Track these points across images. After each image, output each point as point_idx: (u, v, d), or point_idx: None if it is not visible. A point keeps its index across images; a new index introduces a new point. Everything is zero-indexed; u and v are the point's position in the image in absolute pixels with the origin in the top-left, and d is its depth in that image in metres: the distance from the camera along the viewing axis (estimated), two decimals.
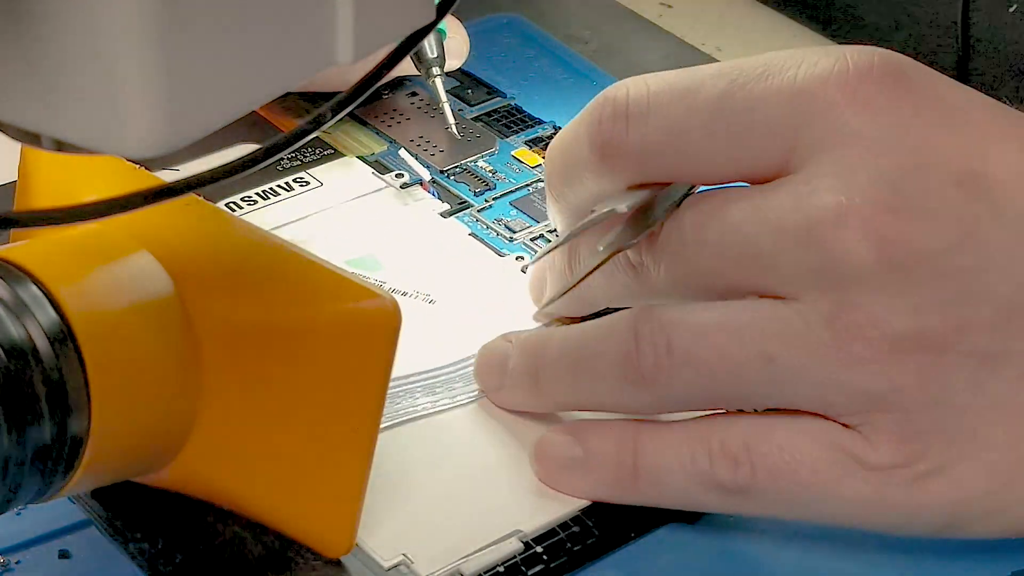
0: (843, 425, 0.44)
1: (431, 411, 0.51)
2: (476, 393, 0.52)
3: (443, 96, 0.62)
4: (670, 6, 0.75)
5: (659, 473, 0.46)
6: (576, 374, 0.48)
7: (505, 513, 0.47)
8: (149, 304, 0.45)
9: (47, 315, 0.42)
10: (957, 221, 0.43)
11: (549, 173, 0.50)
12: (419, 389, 0.51)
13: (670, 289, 0.47)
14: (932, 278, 0.43)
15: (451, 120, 0.62)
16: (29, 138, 0.35)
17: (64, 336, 0.42)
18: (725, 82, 0.45)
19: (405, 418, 0.50)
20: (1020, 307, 0.43)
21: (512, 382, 0.50)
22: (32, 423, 0.41)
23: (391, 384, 0.50)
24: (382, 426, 0.47)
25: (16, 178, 0.50)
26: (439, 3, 0.39)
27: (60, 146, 0.34)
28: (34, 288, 0.42)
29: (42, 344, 0.41)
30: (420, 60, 0.62)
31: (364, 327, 0.44)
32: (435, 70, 0.62)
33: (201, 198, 0.47)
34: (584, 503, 0.48)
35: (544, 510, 0.47)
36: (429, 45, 0.62)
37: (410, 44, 0.39)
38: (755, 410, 0.46)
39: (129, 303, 0.44)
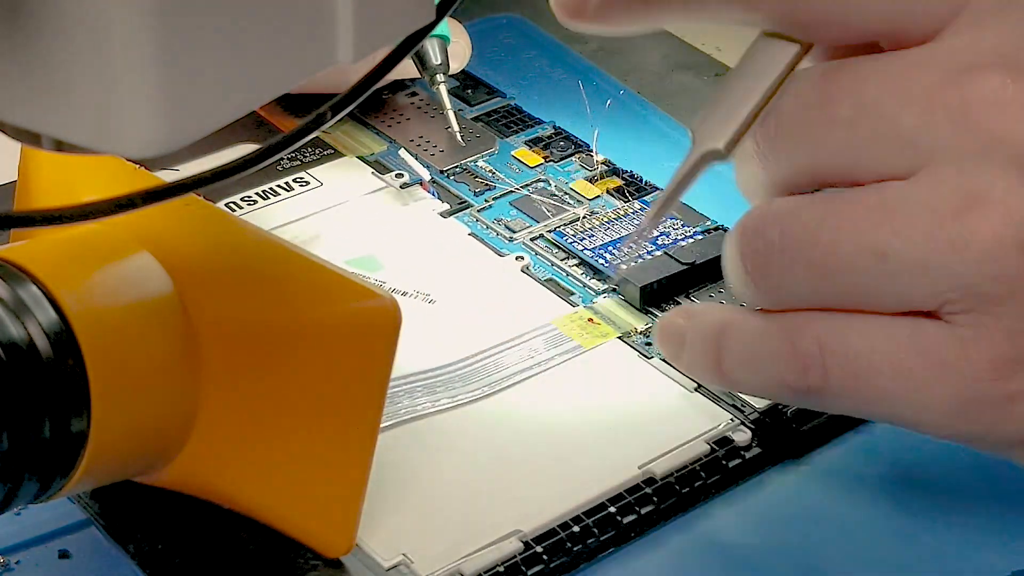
0: (935, 319, 0.42)
1: (431, 411, 0.51)
2: (476, 393, 0.52)
3: (447, 103, 0.62)
4: None
5: (737, 371, 0.45)
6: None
7: (505, 513, 0.47)
8: (149, 304, 0.45)
9: (47, 315, 0.42)
10: None
11: None
12: (419, 389, 0.51)
13: (795, 177, 0.44)
14: None
15: (456, 127, 0.62)
16: (29, 138, 0.35)
17: (64, 336, 0.42)
18: None
19: (405, 418, 0.50)
20: None
21: None
22: (32, 423, 0.41)
23: (391, 384, 0.50)
24: (382, 426, 0.46)
25: (16, 178, 0.50)
26: (439, 3, 0.39)
27: (60, 146, 0.34)
28: (34, 288, 0.42)
29: (42, 344, 0.41)
30: (424, 67, 0.62)
31: (364, 327, 0.44)
32: (439, 77, 0.62)
33: (201, 198, 0.47)
34: (584, 502, 0.48)
35: (544, 510, 0.47)
36: (433, 51, 0.61)
37: (410, 44, 0.39)
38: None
39: (129, 303, 0.44)
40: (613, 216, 0.59)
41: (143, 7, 0.31)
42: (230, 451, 0.46)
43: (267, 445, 0.46)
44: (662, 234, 0.57)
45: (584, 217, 0.59)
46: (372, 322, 0.44)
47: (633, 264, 0.56)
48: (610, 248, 0.57)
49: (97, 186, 0.46)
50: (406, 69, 0.62)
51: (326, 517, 0.46)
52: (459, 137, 0.62)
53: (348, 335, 0.44)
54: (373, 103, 0.65)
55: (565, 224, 0.59)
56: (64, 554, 0.47)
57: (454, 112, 0.62)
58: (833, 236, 0.42)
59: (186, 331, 0.45)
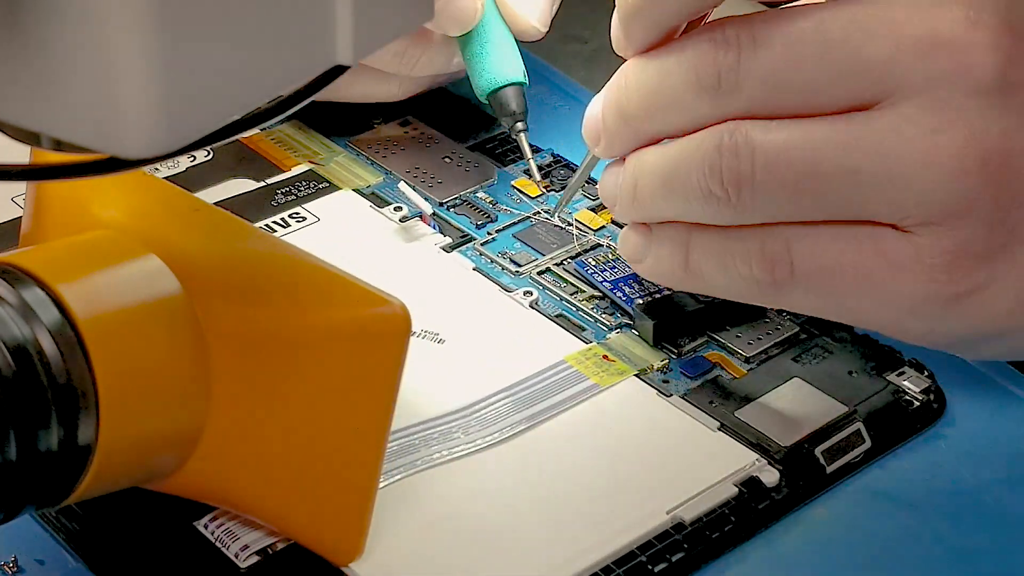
0: (896, 230, 0.45)
1: (448, 458, 0.48)
2: (495, 437, 0.49)
3: (528, 152, 0.60)
4: None
5: (705, 266, 0.48)
6: (667, 187, 0.48)
7: (532, 564, 0.45)
8: (157, 307, 0.44)
9: (53, 318, 0.41)
10: None
11: None
12: (436, 436, 0.49)
13: (755, 110, 0.46)
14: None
15: (537, 176, 0.60)
16: (29, 138, 0.35)
17: (71, 340, 0.41)
18: None
19: (423, 467, 0.48)
20: None
21: (619, 195, 0.50)
22: (40, 428, 0.40)
23: (407, 432, 0.48)
24: (400, 476, 0.45)
25: (12, 215, 0.49)
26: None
27: (60, 146, 0.34)
28: (40, 292, 0.42)
29: (49, 348, 0.41)
30: (503, 113, 0.59)
31: (375, 332, 0.43)
32: (519, 125, 0.59)
33: (212, 205, 0.47)
34: (614, 551, 0.46)
35: (573, 560, 0.45)
36: (512, 99, 0.59)
37: None
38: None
39: (136, 306, 0.43)
40: None
41: (143, 7, 0.31)
42: (240, 456, 0.45)
43: (277, 451, 0.45)
44: None
45: (593, 249, 0.57)
46: (382, 327, 0.43)
47: (649, 298, 0.54)
48: (629, 282, 0.55)
49: (109, 193, 0.46)
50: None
51: (336, 523, 0.45)
52: (540, 187, 0.60)
53: (358, 340, 0.43)
54: (364, 132, 0.63)
55: (573, 256, 0.57)
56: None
57: (535, 160, 0.60)
58: (807, 156, 0.45)
59: (195, 336, 0.44)
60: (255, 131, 0.63)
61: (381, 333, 0.43)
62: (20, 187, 0.52)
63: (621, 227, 0.58)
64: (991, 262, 0.45)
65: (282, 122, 0.64)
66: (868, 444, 0.50)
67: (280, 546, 0.45)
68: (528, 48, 0.70)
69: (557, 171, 0.62)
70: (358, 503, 0.44)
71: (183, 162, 0.60)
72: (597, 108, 0.50)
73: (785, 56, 0.45)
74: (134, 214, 0.46)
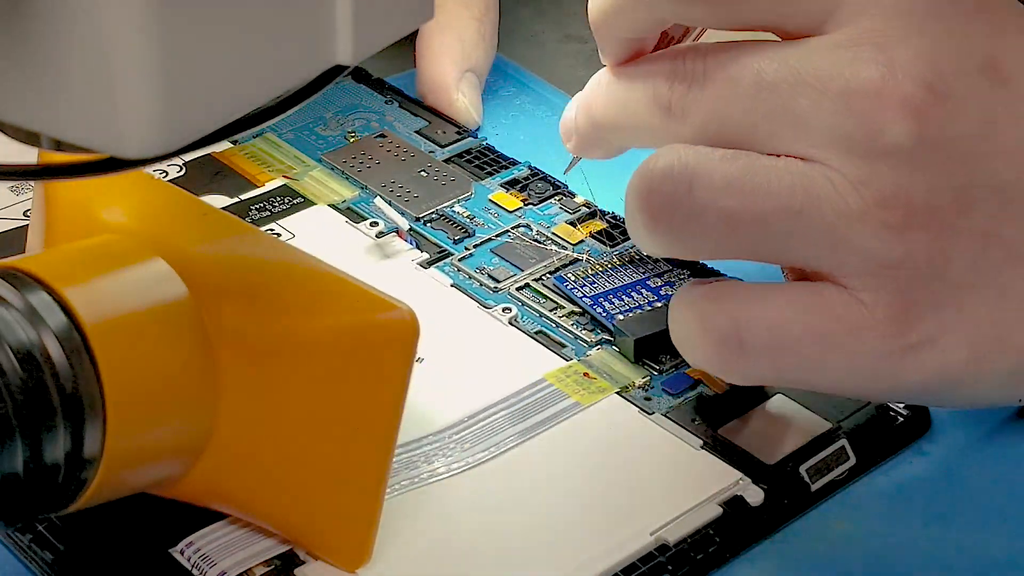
0: (842, 287, 0.45)
1: (429, 481, 0.48)
2: (476, 459, 0.49)
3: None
4: None
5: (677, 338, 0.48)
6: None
7: None
8: (164, 312, 0.44)
9: (60, 324, 0.41)
10: (980, 108, 0.45)
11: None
12: (417, 458, 0.48)
13: (696, 137, 0.46)
14: (951, 161, 0.44)
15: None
16: (29, 138, 0.34)
17: (78, 345, 0.41)
18: None
19: (403, 490, 0.47)
20: (1018, 195, 0.45)
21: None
22: (47, 435, 0.40)
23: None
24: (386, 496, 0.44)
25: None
26: None
27: (59, 146, 0.34)
28: (46, 296, 0.41)
29: (56, 353, 0.40)
30: None
31: (383, 338, 0.43)
32: None
33: (218, 208, 0.47)
34: (597, 574, 0.45)
35: None
36: None
37: None
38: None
39: (143, 310, 0.43)
40: (608, 265, 0.56)
41: (143, 7, 0.31)
42: (247, 461, 0.45)
43: (284, 457, 0.44)
44: (665, 284, 0.55)
45: (572, 263, 0.56)
46: (391, 333, 0.43)
47: (630, 314, 0.53)
48: (609, 297, 0.54)
49: (113, 197, 0.45)
50: None
51: (343, 529, 0.45)
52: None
53: (366, 346, 0.43)
54: (339, 147, 0.62)
55: (552, 271, 0.56)
56: None
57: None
58: (749, 189, 0.45)
59: (203, 340, 0.44)
60: (228, 144, 0.62)
61: (389, 338, 0.43)
62: (30, 202, 0.51)
63: (601, 241, 0.58)
64: (938, 313, 0.45)
65: (258, 135, 0.63)
66: (853, 461, 0.50)
67: (259, 572, 0.45)
68: (530, 48, 0.70)
69: (534, 184, 0.61)
70: (366, 508, 0.44)
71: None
72: (572, 112, 0.52)
73: (726, 92, 0.45)
74: (141, 218, 0.46)
